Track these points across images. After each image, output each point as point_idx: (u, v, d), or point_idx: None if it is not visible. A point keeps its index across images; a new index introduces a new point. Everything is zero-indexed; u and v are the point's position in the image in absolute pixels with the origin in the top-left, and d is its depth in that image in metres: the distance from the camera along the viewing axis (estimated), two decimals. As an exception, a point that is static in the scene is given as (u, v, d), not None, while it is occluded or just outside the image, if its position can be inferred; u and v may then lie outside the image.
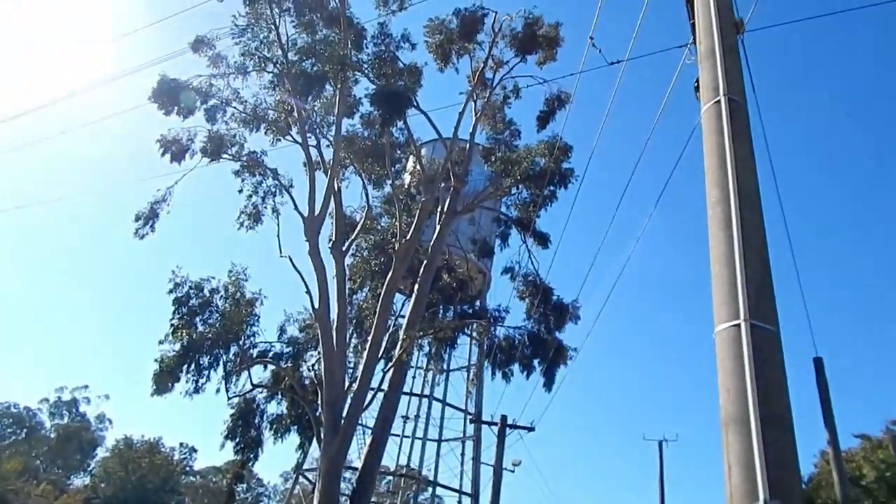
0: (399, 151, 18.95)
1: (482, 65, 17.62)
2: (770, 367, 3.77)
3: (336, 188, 15.84)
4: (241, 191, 16.62)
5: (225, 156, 16.26)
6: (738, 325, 3.90)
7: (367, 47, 16.68)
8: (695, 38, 6.46)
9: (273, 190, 16.60)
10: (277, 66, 16.18)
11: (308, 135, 16.27)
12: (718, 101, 5.15)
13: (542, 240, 18.28)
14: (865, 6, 7.83)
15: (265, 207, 16.50)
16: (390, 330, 15.85)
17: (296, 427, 16.46)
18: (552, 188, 17.17)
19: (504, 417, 20.77)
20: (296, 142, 16.37)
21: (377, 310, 14.81)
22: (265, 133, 16.92)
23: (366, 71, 16.33)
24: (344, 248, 15.44)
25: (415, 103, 15.83)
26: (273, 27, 15.81)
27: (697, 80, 6.11)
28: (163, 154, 15.69)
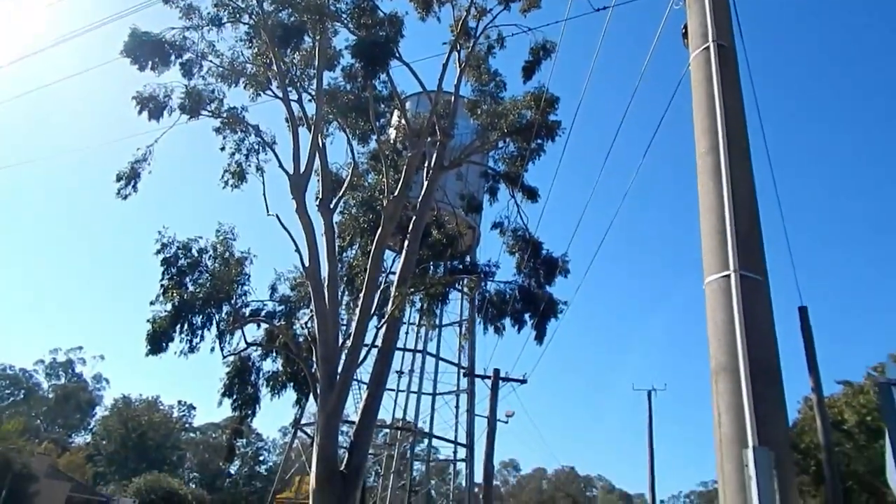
0: (383, 105, 18.53)
1: (465, 13, 17.08)
2: (759, 317, 3.80)
3: (320, 144, 15.54)
4: (223, 148, 16.30)
5: (204, 112, 15.84)
6: (728, 276, 3.91)
7: (345, -5, 16.06)
8: (684, -19, 6.25)
9: (256, 147, 16.28)
10: (253, 16, 15.58)
11: (289, 89, 15.83)
12: (707, 48, 5.02)
13: (531, 194, 18.17)
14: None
15: (249, 165, 16.23)
16: (382, 287, 15.85)
17: (292, 383, 16.66)
18: (539, 141, 16.95)
19: (497, 370, 21.18)
20: (276, 97, 15.94)
21: (367, 267, 14.78)
22: (244, 88, 16.45)
23: (345, 21, 15.78)
24: (331, 206, 15.28)
25: (397, 54, 15.39)
26: (247, -25, 15.16)
27: (685, 27, 5.94)
28: (140, 111, 15.25)
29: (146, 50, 14.82)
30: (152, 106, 15.26)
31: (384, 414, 30.65)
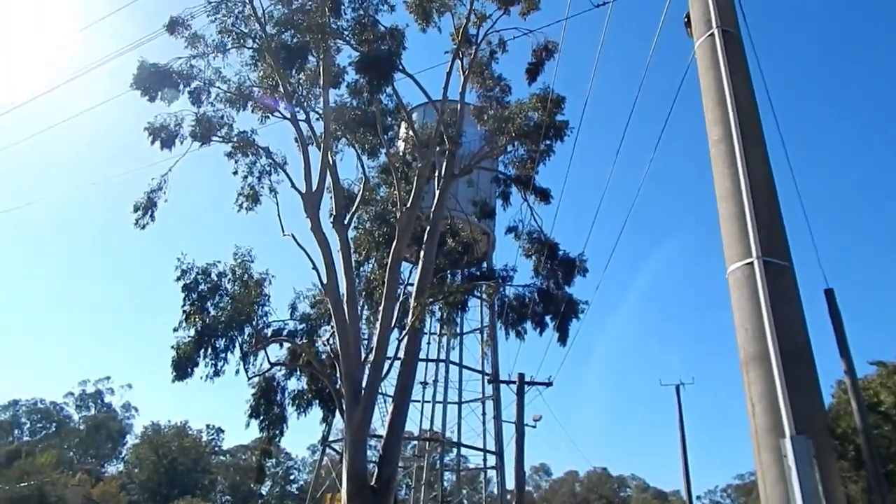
0: (390, 118, 18.65)
1: (465, 21, 17.14)
2: (786, 303, 3.73)
3: (331, 161, 15.67)
4: (235, 172, 16.51)
5: (215, 138, 16.06)
6: (752, 264, 3.85)
7: (345, 13, 16.21)
8: (683, -30, 6.21)
9: (268, 169, 16.47)
10: (257, 40, 15.81)
11: (296, 109, 16.01)
12: (712, 34, 4.97)
13: (544, 195, 18.12)
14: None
15: (262, 187, 16.42)
16: (401, 298, 15.89)
17: (317, 401, 16.72)
18: (548, 142, 16.91)
19: (521, 375, 21.03)
20: (284, 118, 16.13)
21: (385, 280, 14.82)
22: (252, 111, 16.69)
23: (347, 38, 15.93)
24: (345, 222, 15.37)
25: (400, 67, 15.49)
26: (247, 1, 15.39)
27: (688, 15, 5.89)
28: (152, 142, 15.51)
29: (155, 81, 15.10)
30: (164, 135, 15.51)
31: (411, 426, 30.67)
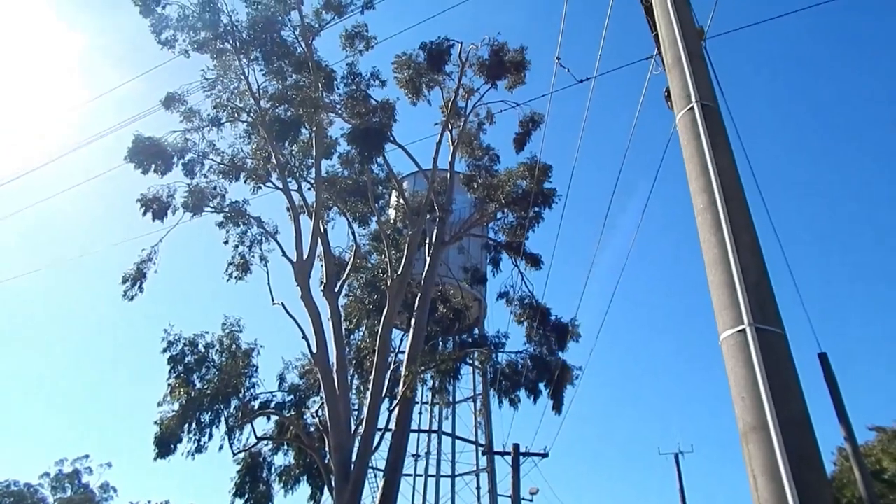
0: (381, 187, 18.98)
1: (454, 94, 17.80)
2: (782, 370, 3.69)
3: (322, 230, 15.79)
4: (226, 242, 16.58)
5: (207, 209, 16.21)
6: (744, 331, 3.83)
7: (338, 88, 16.83)
8: (659, 49, 6.53)
9: (259, 238, 16.57)
10: (251, 114, 16.27)
11: (288, 179, 16.28)
12: (692, 108, 5.17)
13: (534, 261, 18.25)
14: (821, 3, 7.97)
15: (253, 256, 16.46)
16: (391, 367, 15.61)
17: (305, 477, 16.07)
18: (537, 209, 17.22)
19: (517, 446, 20.41)
20: (277, 188, 16.37)
21: (376, 348, 14.62)
22: (245, 182, 16.96)
23: (339, 111, 16.44)
24: (336, 289, 15.32)
25: (391, 138, 15.91)
26: (243, 77, 15.93)
27: (667, 90, 6.15)
28: (144, 213, 15.62)
29: (149, 154, 15.37)
30: (156, 207, 15.64)
31: (403, 501, 29.35)
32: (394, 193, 20.47)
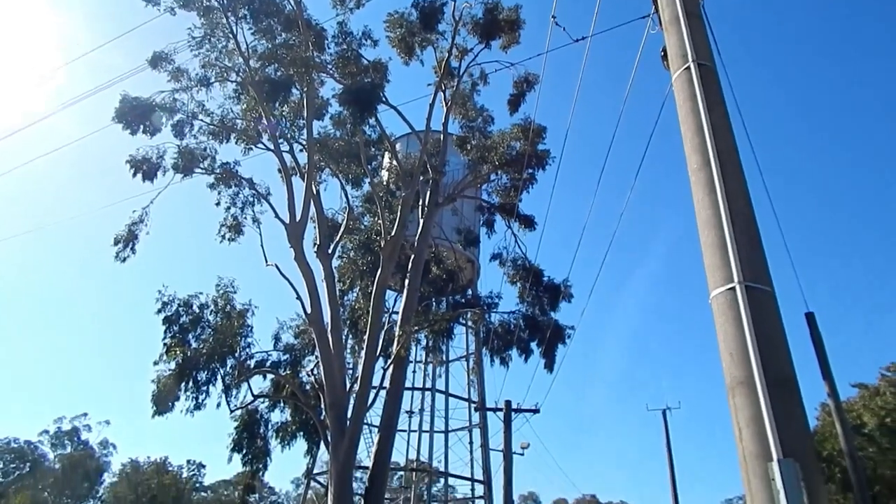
0: (374, 149, 18.80)
1: (447, 54, 17.49)
2: (770, 327, 3.80)
3: (314, 192, 15.70)
4: (218, 203, 16.46)
5: (197, 170, 16.04)
6: (734, 289, 3.92)
7: (328, 47, 16.48)
8: (657, 8, 6.43)
9: (251, 200, 16.46)
10: (240, 74, 15.94)
11: (280, 141, 16.09)
12: (688, 68, 5.14)
13: (528, 222, 18.28)
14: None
15: (245, 218, 16.38)
16: (385, 327, 15.79)
17: (302, 433, 16.39)
18: (531, 171, 17.16)
19: (508, 402, 20.88)
20: (268, 149, 16.19)
21: (370, 309, 14.75)
22: (236, 143, 16.73)
23: (330, 71, 16.14)
24: (329, 251, 15.34)
25: (383, 99, 15.70)
26: (231, 36, 15.54)
27: (664, 49, 6.08)
28: (134, 174, 15.44)
29: (137, 114, 15.09)
30: (146, 168, 15.45)
31: (397, 456, 30.11)
32: (387, 155, 20.31)
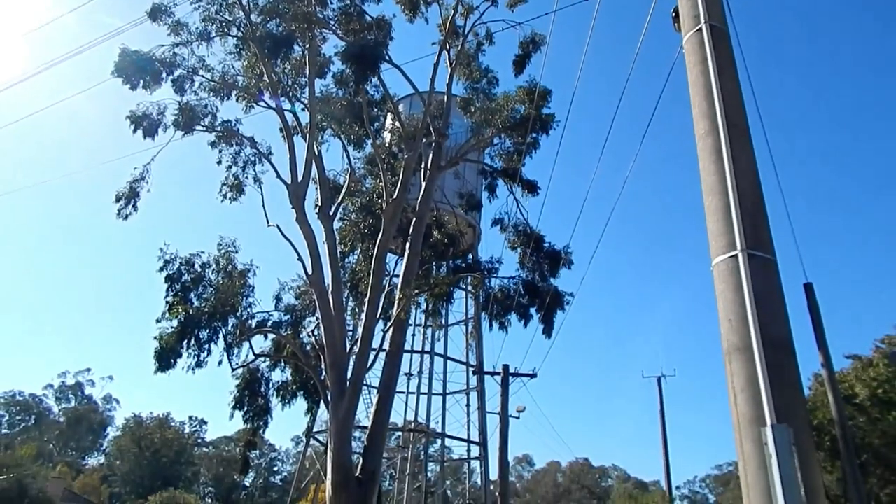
0: (376, 109, 18.54)
1: (452, 12, 17.07)
2: (770, 295, 3.80)
3: (316, 152, 15.55)
4: (219, 162, 16.31)
5: (198, 127, 15.84)
6: (736, 256, 3.91)
7: (331, 2, 16.06)
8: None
9: (252, 159, 16.30)
10: (241, 29, 15.60)
11: (281, 99, 15.85)
12: (700, 30, 5.01)
13: (531, 187, 18.15)
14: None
15: (246, 177, 16.25)
16: (386, 290, 15.85)
17: (302, 392, 16.65)
18: (534, 135, 16.94)
19: (506, 367, 21.15)
20: (269, 107, 15.96)
21: (371, 271, 14.78)
22: (237, 100, 16.48)
23: (333, 27, 15.78)
24: (331, 213, 15.28)
25: (387, 58, 15.40)
26: (232, -13, 15.17)
27: (675, 10, 5.92)
28: (135, 130, 15.26)
29: (137, 69, 14.84)
30: (146, 124, 15.26)
31: (396, 417, 30.70)
32: (389, 116, 20.04)
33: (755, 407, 3.48)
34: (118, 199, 15.28)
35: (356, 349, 13.91)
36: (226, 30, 15.72)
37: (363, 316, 14.45)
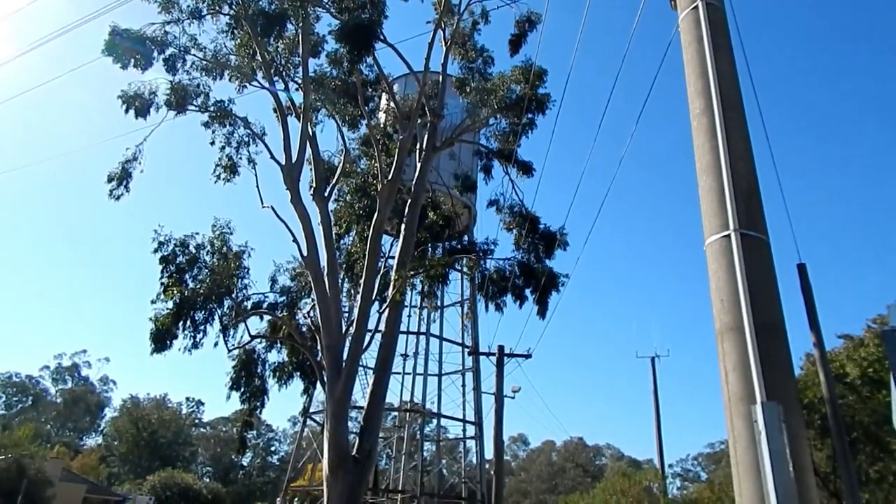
0: (371, 89, 18.35)
1: (448, -11, 16.84)
2: (762, 275, 3.82)
3: (310, 133, 15.43)
4: (213, 143, 16.19)
5: (191, 107, 15.69)
6: (729, 236, 3.92)
7: (325, -21, 15.83)
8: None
9: (246, 139, 16.18)
10: (233, 6, 15.37)
11: (275, 79, 15.68)
12: (696, 7, 4.96)
13: (526, 168, 18.08)
14: None
15: (240, 158, 16.15)
16: (381, 271, 15.84)
17: (298, 373, 16.71)
18: (530, 115, 16.83)
19: (501, 347, 21.27)
20: (263, 87, 15.79)
21: (366, 253, 14.77)
22: (230, 80, 16.31)
23: (326, 5, 15.56)
24: (326, 194, 15.21)
25: (381, 37, 15.19)
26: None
27: (673, -13, 5.86)
28: (126, 110, 15.11)
29: (128, 47, 14.63)
30: (138, 104, 15.11)
31: (392, 397, 30.94)
32: (384, 96, 19.85)
33: (746, 385, 3.52)
34: (110, 180, 15.18)
35: (352, 330, 13.95)
36: (217, 7, 15.49)
37: (359, 297, 14.46)
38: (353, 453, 12.86)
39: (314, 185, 15.09)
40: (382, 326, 14.78)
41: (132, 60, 14.77)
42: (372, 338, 14.73)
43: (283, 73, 16.19)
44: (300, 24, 15.25)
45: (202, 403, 76.95)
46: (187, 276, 14.83)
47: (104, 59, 14.72)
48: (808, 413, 18.32)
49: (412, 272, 15.21)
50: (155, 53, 15.12)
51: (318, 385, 15.28)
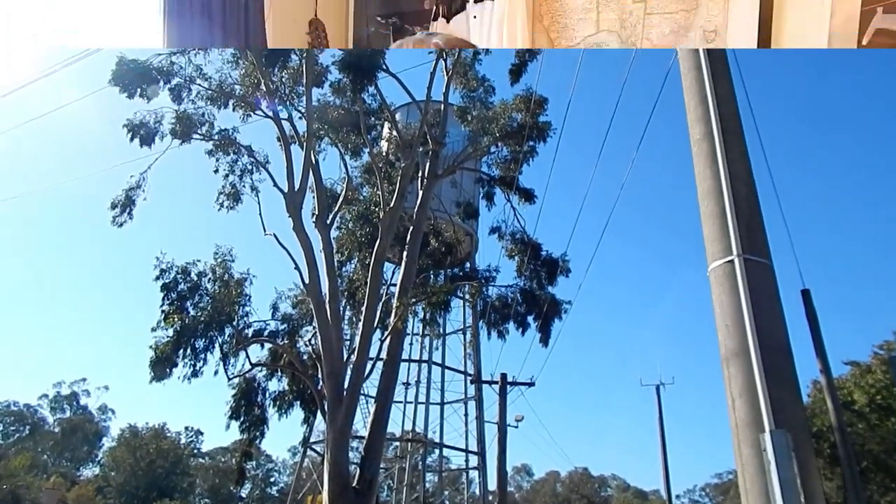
0: (373, 118, 18.59)
1: (450, 21, 17.16)
2: (766, 300, 3.80)
3: (313, 161, 15.56)
4: (216, 171, 16.35)
5: (195, 136, 15.88)
6: (732, 261, 3.91)
7: (330, 12, 16.15)
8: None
9: (249, 167, 16.34)
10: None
11: (279, 108, 15.90)
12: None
13: (527, 196, 18.20)
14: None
15: (243, 186, 16.28)
16: (383, 299, 15.83)
17: (299, 402, 16.59)
18: (531, 143, 17.01)
19: (504, 375, 21.10)
20: (267, 116, 15.99)
21: (368, 280, 14.76)
22: (233, 110, 16.53)
23: (331, 37, 15.84)
24: (328, 222, 15.28)
25: (384, 66, 15.47)
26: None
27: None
28: (132, 139, 15.31)
29: (134, 77, 14.87)
30: (143, 132, 15.30)
31: (393, 427, 30.54)
32: (386, 125, 20.09)
33: (753, 412, 3.47)
34: (113, 207, 15.29)
35: (353, 358, 13.86)
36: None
37: (360, 325, 14.41)
38: (354, 484, 12.66)
39: (316, 212, 15.16)
40: (384, 354, 14.69)
41: (138, 90, 15.01)
42: (374, 366, 14.63)
43: (287, 103, 16.43)
44: (304, 55, 15.52)
45: (201, 433, 75.97)
46: (188, 304, 14.85)
47: (110, 88, 14.96)
48: (817, 441, 18.03)
49: (414, 299, 15.18)
50: (161, 83, 15.37)
51: (319, 414, 15.11)
